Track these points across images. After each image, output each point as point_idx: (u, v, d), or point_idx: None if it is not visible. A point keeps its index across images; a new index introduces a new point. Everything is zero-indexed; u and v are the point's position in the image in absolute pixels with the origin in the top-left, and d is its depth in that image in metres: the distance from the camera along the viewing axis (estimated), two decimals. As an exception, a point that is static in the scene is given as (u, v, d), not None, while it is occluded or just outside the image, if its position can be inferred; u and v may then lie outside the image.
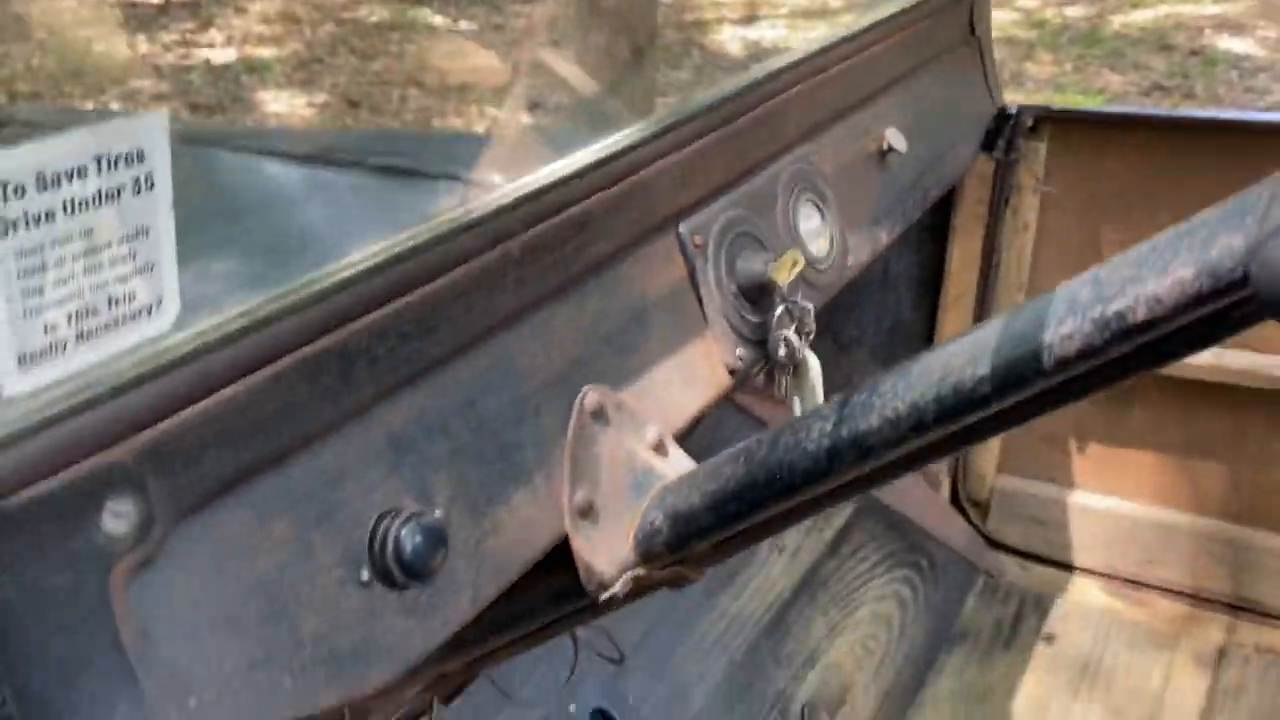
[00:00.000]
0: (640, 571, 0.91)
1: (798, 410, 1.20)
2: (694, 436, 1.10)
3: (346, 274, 0.76)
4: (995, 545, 2.08)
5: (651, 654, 1.53)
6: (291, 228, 1.17)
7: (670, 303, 1.06)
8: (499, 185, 1.09)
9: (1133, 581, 1.97)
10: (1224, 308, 0.62)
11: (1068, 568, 2.02)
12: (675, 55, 6.07)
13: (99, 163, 0.60)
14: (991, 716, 1.73)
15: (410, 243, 0.81)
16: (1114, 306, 0.64)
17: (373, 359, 0.77)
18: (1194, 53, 5.86)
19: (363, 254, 0.79)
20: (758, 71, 1.21)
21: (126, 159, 0.62)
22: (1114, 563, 1.98)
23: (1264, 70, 5.63)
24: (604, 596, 0.91)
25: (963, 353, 0.72)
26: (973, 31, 1.71)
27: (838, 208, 1.31)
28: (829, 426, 0.79)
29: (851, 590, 1.86)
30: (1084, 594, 1.98)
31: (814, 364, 1.16)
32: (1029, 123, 1.82)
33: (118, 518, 0.62)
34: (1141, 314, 0.63)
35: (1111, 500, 1.98)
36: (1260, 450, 1.85)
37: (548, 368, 0.91)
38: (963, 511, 2.09)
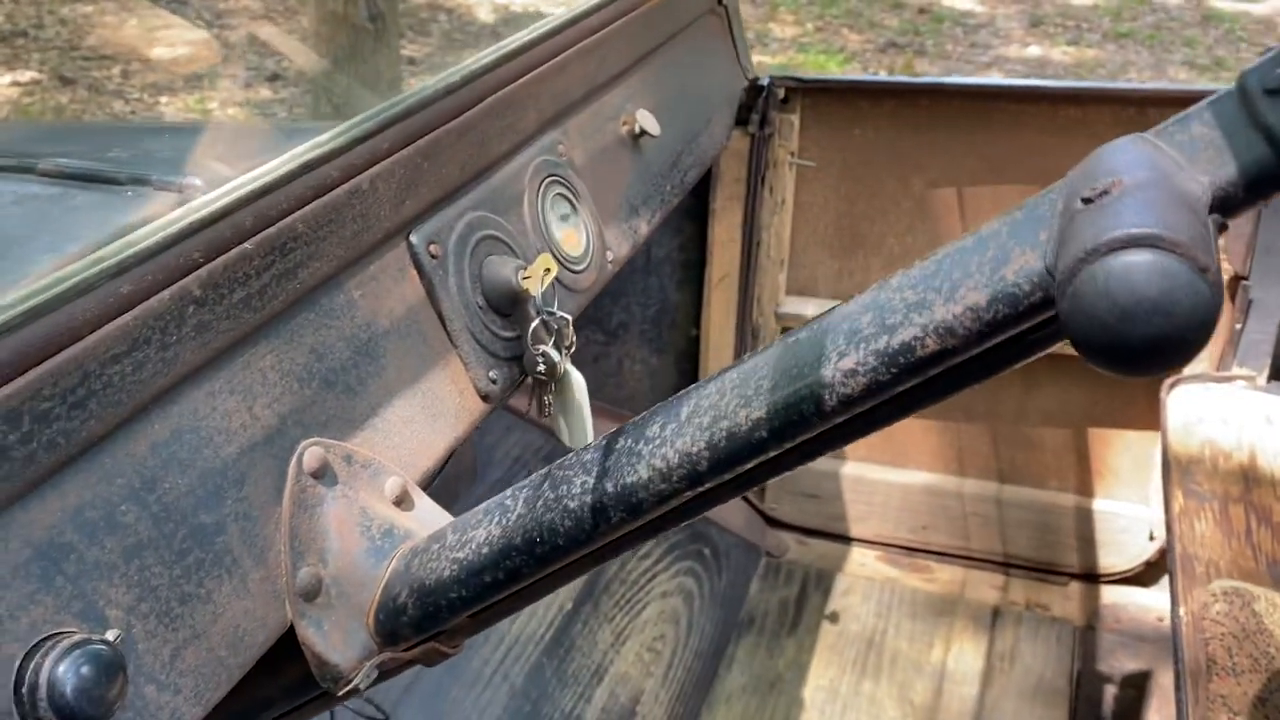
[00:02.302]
0: (385, 656, 0.78)
1: (563, 430, 1.09)
2: (465, 457, 0.95)
3: None
4: (774, 524, 2.05)
5: (422, 699, 1.39)
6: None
7: (406, 326, 0.92)
8: (198, 191, 0.91)
9: (909, 549, 1.98)
10: (1023, 331, 0.55)
11: (846, 540, 2.02)
12: (421, 21, 5.81)
13: None
14: (783, 706, 1.69)
15: (47, 294, 0.63)
16: (900, 337, 0.55)
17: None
18: (922, 11, 6.15)
19: None
20: (489, 54, 1.07)
21: None
22: (890, 532, 1.99)
23: (984, 26, 5.99)
24: (342, 691, 0.77)
25: (735, 392, 0.62)
26: (719, 1, 1.63)
27: (592, 201, 1.19)
28: (591, 480, 0.67)
29: (636, 591, 1.78)
30: (863, 566, 1.98)
31: (577, 380, 1.05)
32: (781, 94, 1.76)
33: None
34: (932, 345, 0.55)
35: (884, 470, 1.98)
36: (1017, 408, 1.89)
37: (252, 426, 0.75)
38: None
